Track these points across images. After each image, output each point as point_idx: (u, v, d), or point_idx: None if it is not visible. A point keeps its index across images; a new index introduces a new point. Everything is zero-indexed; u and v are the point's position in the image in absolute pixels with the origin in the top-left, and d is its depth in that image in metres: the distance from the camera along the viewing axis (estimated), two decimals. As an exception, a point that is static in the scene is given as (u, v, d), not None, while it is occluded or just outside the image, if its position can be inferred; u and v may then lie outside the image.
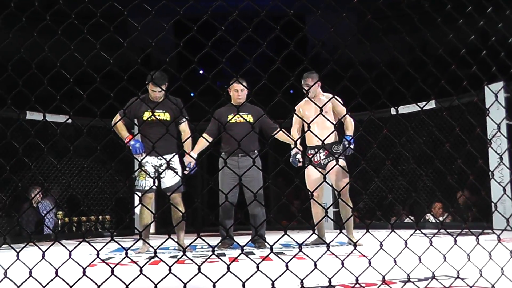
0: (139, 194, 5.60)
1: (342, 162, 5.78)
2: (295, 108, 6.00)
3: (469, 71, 2.38)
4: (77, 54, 1.74)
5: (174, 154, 5.60)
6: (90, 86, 1.82)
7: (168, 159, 5.59)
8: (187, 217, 5.88)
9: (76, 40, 1.72)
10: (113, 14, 2.01)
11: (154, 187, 5.62)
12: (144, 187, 5.57)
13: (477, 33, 2.39)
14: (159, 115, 5.59)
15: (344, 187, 5.53)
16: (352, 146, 5.69)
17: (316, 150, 5.90)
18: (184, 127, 5.74)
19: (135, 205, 8.40)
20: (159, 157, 5.52)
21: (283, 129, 5.81)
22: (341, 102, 5.74)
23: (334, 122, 5.91)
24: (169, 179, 5.65)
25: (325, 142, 5.73)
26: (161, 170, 5.64)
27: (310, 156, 5.95)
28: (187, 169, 5.67)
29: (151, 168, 5.63)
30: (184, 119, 5.63)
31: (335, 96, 5.64)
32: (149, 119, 5.44)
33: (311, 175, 5.82)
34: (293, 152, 5.86)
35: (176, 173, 5.59)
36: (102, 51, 1.78)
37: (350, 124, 5.87)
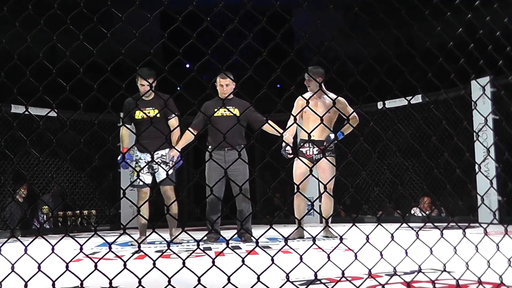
0: (136, 189, 5.80)
1: (332, 160, 5.82)
2: (298, 99, 6.00)
3: (456, 66, 2.37)
4: (60, 46, 1.70)
5: (165, 149, 5.75)
6: (77, 80, 1.79)
7: (160, 155, 5.78)
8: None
9: (58, 30, 1.69)
10: (99, 6, 1.98)
11: (149, 182, 5.76)
12: (139, 183, 5.63)
13: (465, 26, 2.38)
14: (149, 113, 5.71)
15: (329, 182, 5.61)
16: (332, 136, 5.76)
17: (310, 144, 5.92)
18: (174, 123, 5.82)
19: (130, 200, 8.40)
20: (151, 154, 5.71)
21: (269, 121, 5.86)
22: (345, 102, 5.91)
23: (332, 121, 5.97)
24: (162, 174, 5.75)
25: (319, 138, 5.82)
26: (154, 166, 5.78)
27: (303, 149, 5.97)
28: (170, 163, 5.73)
29: (144, 164, 5.79)
30: (174, 115, 5.74)
31: (339, 97, 5.72)
32: (140, 117, 5.71)
33: (300, 168, 5.86)
34: (283, 144, 5.85)
35: (165, 168, 5.70)
36: (89, 45, 1.75)
37: (352, 123, 5.80)
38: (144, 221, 5.78)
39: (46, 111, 7.48)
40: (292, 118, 5.90)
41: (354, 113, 5.83)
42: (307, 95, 5.95)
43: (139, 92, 5.76)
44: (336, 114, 5.90)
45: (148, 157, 5.77)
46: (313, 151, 5.95)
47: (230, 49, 1.92)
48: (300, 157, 5.88)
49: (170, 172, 5.75)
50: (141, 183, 5.60)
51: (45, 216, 8.87)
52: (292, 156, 5.89)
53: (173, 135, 5.80)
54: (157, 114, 5.64)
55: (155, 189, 5.88)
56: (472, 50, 2.26)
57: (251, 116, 5.92)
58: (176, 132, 5.78)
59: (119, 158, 5.73)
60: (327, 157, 5.87)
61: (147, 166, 5.75)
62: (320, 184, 5.74)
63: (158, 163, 5.77)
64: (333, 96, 5.73)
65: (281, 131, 5.87)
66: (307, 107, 5.86)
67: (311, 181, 5.19)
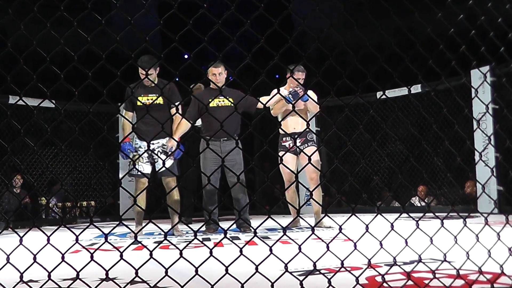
0: (134, 178, 5.72)
1: (315, 153, 5.85)
2: (273, 91, 6.01)
3: (456, 54, 2.34)
4: (54, 33, 1.67)
5: (166, 138, 5.61)
6: (75, 71, 1.76)
7: (161, 144, 5.65)
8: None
9: (52, 17, 1.65)
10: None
11: (148, 172, 5.64)
12: (137, 172, 5.55)
13: (466, 14, 2.34)
14: (152, 99, 5.61)
15: (315, 173, 5.83)
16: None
17: (292, 137, 5.98)
18: (177, 112, 5.69)
19: (126, 190, 8.35)
20: (152, 142, 5.56)
21: (261, 99, 5.81)
22: (316, 99, 5.95)
23: (308, 113, 6.10)
24: (164, 163, 5.64)
25: (300, 130, 5.93)
26: (154, 155, 5.66)
27: (285, 143, 6.01)
28: (169, 152, 5.63)
29: (145, 153, 5.65)
30: (177, 103, 5.65)
31: (311, 92, 5.90)
32: (144, 102, 5.56)
33: (287, 162, 5.91)
34: (286, 92, 5.82)
35: (165, 158, 5.60)
36: (86, 35, 1.71)
37: (314, 108, 5.95)
38: (140, 211, 5.70)
39: (45, 102, 7.46)
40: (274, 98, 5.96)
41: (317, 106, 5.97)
42: (282, 89, 6.03)
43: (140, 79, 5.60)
44: (311, 106, 5.93)
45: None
46: (295, 143, 6.03)
47: (228, 41, 1.89)
48: (283, 151, 5.99)
49: (171, 162, 5.64)
50: (139, 172, 5.53)
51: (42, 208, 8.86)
52: (301, 92, 5.77)
53: (175, 124, 5.70)
54: (154, 101, 5.54)
55: (151, 178, 5.79)
56: (473, 37, 2.22)
57: (246, 103, 5.83)
58: (177, 121, 5.68)
59: (121, 147, 5.58)
60: (309, 147, 6.00)
61: (146, 156, 5.64)
62: (308, 176, 5.88)
63: (159, 152, 5.64)
64: (309, 91, 5.86)
65: (274, 98, 5.88)
66: (284, 102, 5.90)
67: (301, 173, 5.35)
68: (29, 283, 1.85)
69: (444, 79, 2.22)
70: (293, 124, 5.98)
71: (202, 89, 6.98)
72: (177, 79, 6.90)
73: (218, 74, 5.84)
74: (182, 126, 5.72)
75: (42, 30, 1.72)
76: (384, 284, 2.14)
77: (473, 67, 6.41)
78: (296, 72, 5.88)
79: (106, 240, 1.73)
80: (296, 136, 5.96)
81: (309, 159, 2.09)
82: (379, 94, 8.50)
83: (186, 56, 15.87)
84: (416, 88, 8.29)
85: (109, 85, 1.76)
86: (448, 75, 2.48)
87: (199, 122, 6.39)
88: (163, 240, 1.81)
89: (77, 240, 1.72)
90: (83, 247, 1.86)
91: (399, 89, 8.28)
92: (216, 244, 1.83)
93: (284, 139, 6.08)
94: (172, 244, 1.87)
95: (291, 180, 5.93)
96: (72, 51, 1.71)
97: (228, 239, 1.97)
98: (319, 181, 5.95)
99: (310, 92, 5.98)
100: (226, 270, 1.82)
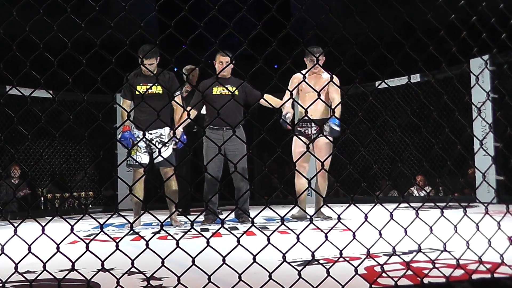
0: (132, 169, 5.71)
1: (328, 143, 5.78)
2: (293, 76, 5.93)
3: (456, 43, 2.31)
4: (47, 20, 1.64)
5: (164, 128, 5.58)
6: (74, 61, 1.73)
7: (159, 134, 5.59)
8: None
9: (46, 3, 1.62)
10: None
11: (146, 162, 5.58)
12: (134, 162, 5.53)
13: (466, 1, 2.31)
14: (151, 89, 5.53)
15: (325, 162, 5.58)
16: (337, 129, 5.58)
17: (308, 123, 5.87)
18: (178, 101, 5.59)
19: (123, 180, 8.31)
20: (150, 132, 5.50)
21: (266, 95, 5.72)
22: (339, 84, 5.64)
23: (329, 100, 5.87)
24: (161, 154, 5.59)
25: (319, 117, 5.72)
26: (152, 145, 5.59)
27: (301, 129, 5.91)
28: (172, 143, 5.59)
29: (143, 143, 5.59)
30: (177, 93, 5.59)
31: (334, 76, 5.64)
32: (142, 91, 5.48)
33: (298, 146, 5.81)
34: (284, 112, 5.72)
35: (163, 148, 5.53)
36: (88, 29, 1.68)
37: (339, 108, 5.76)
38: (138, 201, 5.59)
39: (42, 92, 7.43)
40: (287, 93, 5.80)
41: (338, 99, 5.80)
42: (303, 72, 5.88)
43: (140, 68, 5.58)
44: (332, 93, 5.82)
45: (146, 135, 5.59)
46: (311, 130, 5.91)
47: (227, 31, 1.86)
48: (299, 136, 5.85)
49: (170, 153, 5.60)
50: (137, 163, 5.47)
51: (42, 198, 8.85)
52: (290, 128, 5.73)
53: (177, 114, 5.67)
54: (148, 89, 5.47)
55: (147, 167, 5.72)
56: (474, 24, 2.19)
57: (247, 91, 5.78)
58: (180, 111, 5.61)
59: (119, 136, 5.46)
60: (323, 137, 5.82)
61: (144, 146, 5.59)
62: (316, 164, 5.78)
63: (157, 142, 5.57)
64: (328, 75, 5.74)
65: (279, 102, 5.74)
66: (304, 84, 5.73)
67: (311, 161, 5.25)
68: (24, 274, 1.83)
69: (444, 66, 2.20)
70: (310, 111, 5.86)
71: (197, 71, 6.99)
72: (175, 69, 6.84)
73: (225, 62, 5.76)
74: (185, 116, 5.64)
75: (39, 20, 1.69)
76: (383, 274, 2.12)
77: (473, 55, 6.38)
78: (320, 56, 5.76)
79: (101, 230, 1.71)
80: (312, 123, 5.85)
81: (308, 147, 2.07)
82: (377, 83, 8.46)
83: (184, 46, 15.81)
84: (415, 78, 8.27)
85: (107, 76, 1.74)
86: (447, 64, 2.45)
87: (203, 112, 6.36)
88: (160, 230, 1.79)
89: (72, 230, 1.70)
90: (79, 238, 1.84)
91: (398, 79, 8.25)
92: (213, 234, 1.81)
93: (300, 124, 5.99)
94: (169, 234, 1.84)
95: (299, 164, 5.75)
96: (69, 40, 1.68)
97: (226, 229, 1.95)
98: (326, 173, 5.85)
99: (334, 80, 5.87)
100: (223, 260, 1.80)
